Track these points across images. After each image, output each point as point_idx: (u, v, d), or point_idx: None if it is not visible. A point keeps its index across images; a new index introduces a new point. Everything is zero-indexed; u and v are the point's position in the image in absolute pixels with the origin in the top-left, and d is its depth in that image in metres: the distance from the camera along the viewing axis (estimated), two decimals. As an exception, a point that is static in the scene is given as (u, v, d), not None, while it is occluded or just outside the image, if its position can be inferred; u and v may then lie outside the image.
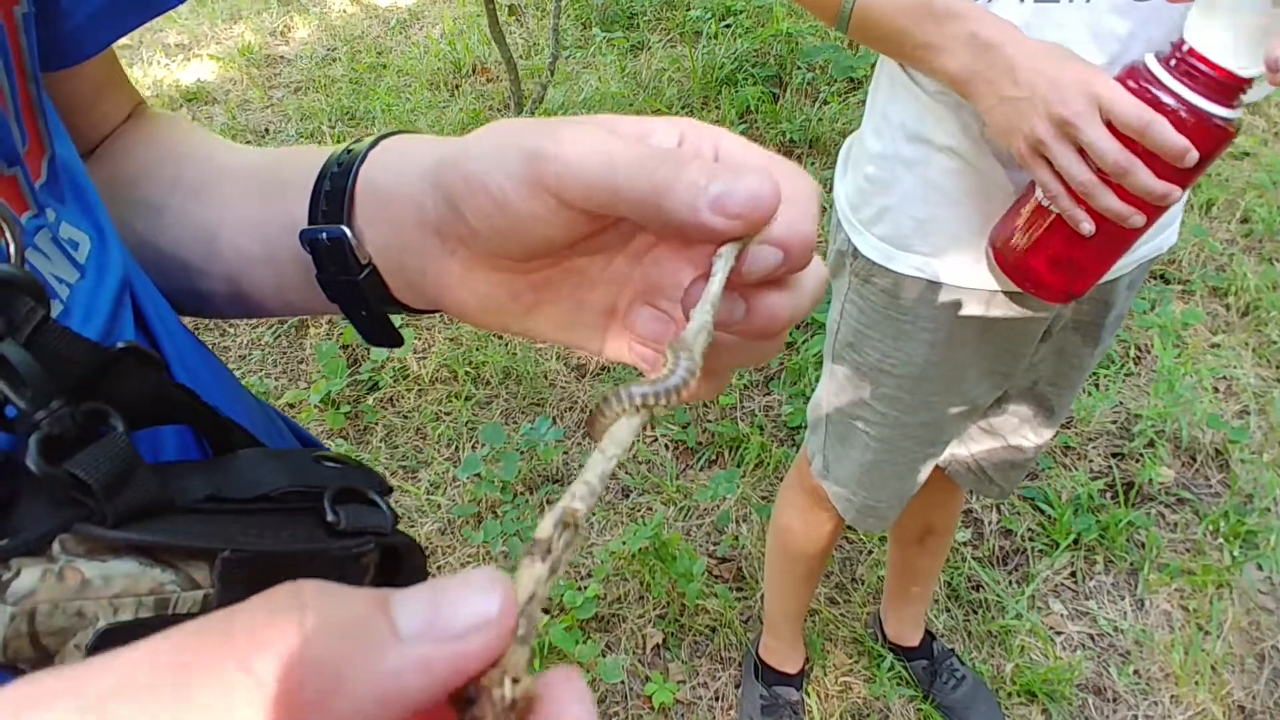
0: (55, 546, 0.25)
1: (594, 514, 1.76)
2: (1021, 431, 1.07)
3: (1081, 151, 0.69)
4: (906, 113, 0.84)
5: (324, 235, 0.34)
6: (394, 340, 0.37)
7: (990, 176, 0.82)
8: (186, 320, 0.42)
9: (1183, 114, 0.66)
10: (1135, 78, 0.68)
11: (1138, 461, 1.80)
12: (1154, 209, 0.70)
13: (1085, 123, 0.67)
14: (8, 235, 0.27)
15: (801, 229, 0.25)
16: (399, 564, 0.36)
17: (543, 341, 0.34)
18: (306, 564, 0.30)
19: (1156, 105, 0.66)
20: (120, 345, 0.28)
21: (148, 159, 0.42)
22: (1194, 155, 0.66)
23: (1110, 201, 0.69)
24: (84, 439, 0.26)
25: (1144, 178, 0.67)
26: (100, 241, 0.35)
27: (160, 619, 0.26)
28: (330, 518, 0.32)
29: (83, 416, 0.26)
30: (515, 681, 0.18)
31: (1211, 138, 0.66)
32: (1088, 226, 0.72)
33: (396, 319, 0.38)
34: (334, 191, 0.34)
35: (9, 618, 0.23)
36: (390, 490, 0.37)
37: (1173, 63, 0.67)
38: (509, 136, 0.28)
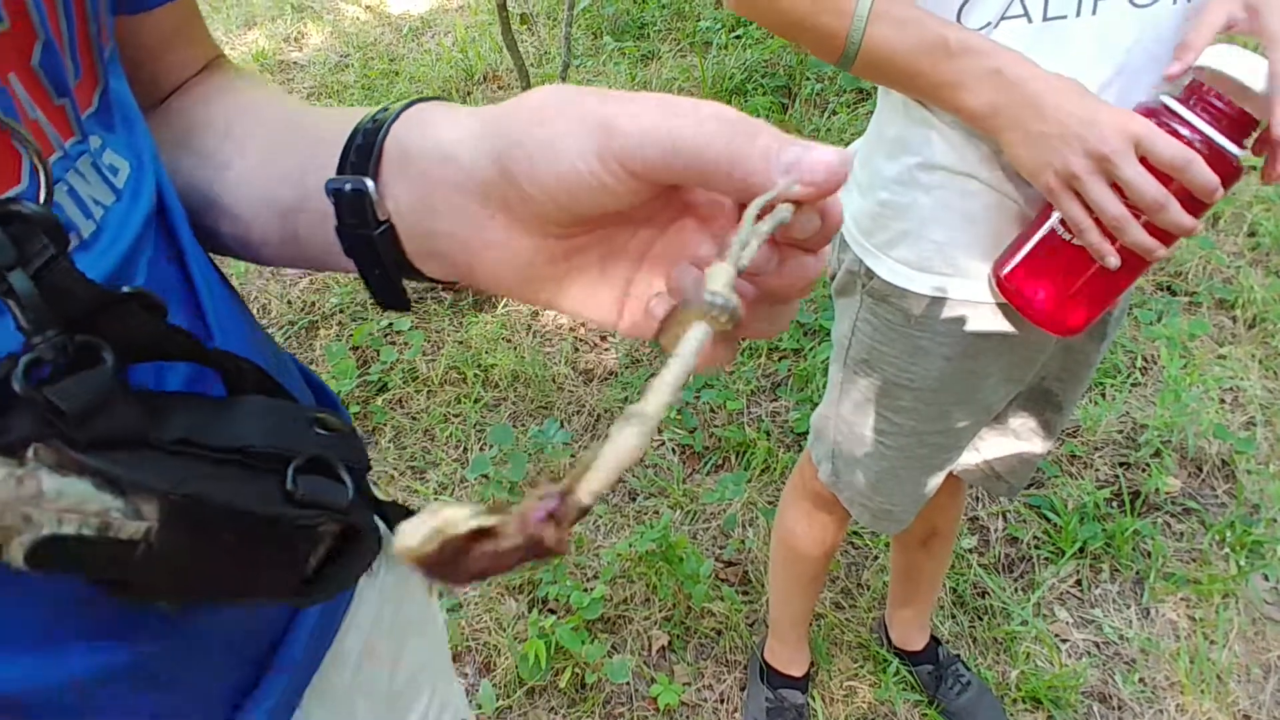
0: (29, 452, 0.27)
1: (600, 516, 1.77)
2: (1031, 428, 1.07)
3: (1114, 187, 0.70)
4: (924, 141, 0.84)
5: (347, 186, 0.34)
6: (403, 304, 0.38)
7: (1009, 194, 0.82)
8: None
9: (1206, 152, 0.68)
10: (1156, 116, 0.70)
11: (1144, 471, 1.80)
12: (1173, 240, 0.72)
13: (1123, 160, 0.68)
14: (40, 173, 0.29)
15: (839, 206, 0.28)
16: (353, 543, 0.36)
17: (565, 312, 0.35)
18: (252, 523, 0.31)
19: (1176, 135, 0.68)
20: (126, 289, 0.29)
21: (210, 111, 0.44)
22: (1220, 192, 0.68)
23: (1139, 235, 0.71)
24: (73, 368, 0.28)
25: (1177, 213, 0.69)
26: (138, 169, 0.36)
27: (100, 539, 0.27)
28: (289, 486, 0.32)
29: (75, 347, 0.28)
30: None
31: (1230, 174, 0.69)
32: (1114, 260, 0.73)
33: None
34: (364, 146, 0.35)
35: None
36: (367, 469, 0.37)
37: (1192, 101, 0.69)
38: (573, 106, 0.29)
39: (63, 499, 0.26)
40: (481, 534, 0.22)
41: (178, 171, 0.42)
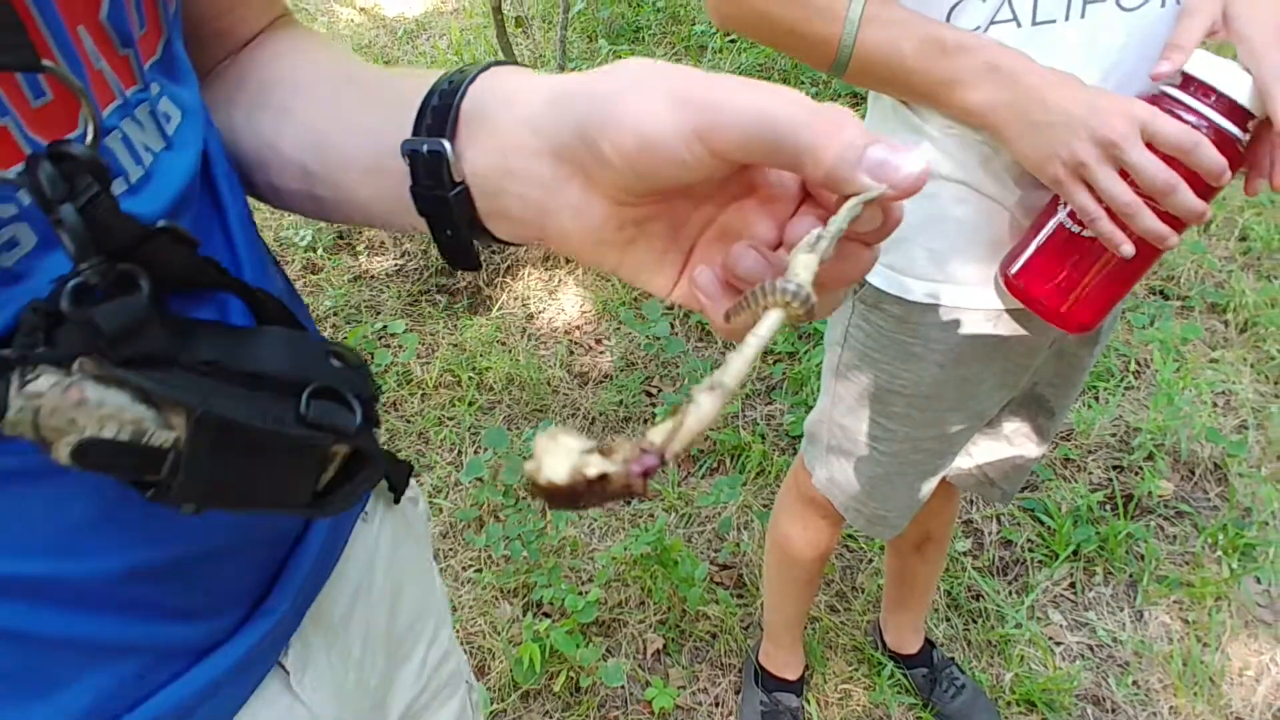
0: (76, 364, 0.30)
1: (594, 519, 1.76)
2: (1024, 434, 1.07)
3: (1121, 173, 0.70)
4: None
5: (424, 147, 0.35)
6: (473, 263, 0.39)
7: (1002, 200, 0.82)
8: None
9: (1212, 135, 0.68)
10: (1157, 104, 0.70)
11: (1137, 474, 1.81)
12: (1184, 226, 0.71)
13: (1130, 144, 0.68)
14: (90, 122, 0.31)
15: (902, 208, 0.30)
16: (360, 465, 0.39)
17: (625, 278, 0.36)
18: (269, 440, 0.34)
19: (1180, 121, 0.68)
20: (160, 224, 0.32)
21: (280, 66, 0.45)
22: (1229, 175, 0.68)
23: (1151, 222, 0.70)
24: (114, 294, 0.30)
25: (1186, 196, 0.68)
26: (188, 119, 0.39)
27: (133, 445, 0.31)
28: (303, 409, 0.35)
29: (115, 274, 0.30)
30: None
31: (1235, 158, 0.69)
32: (1128, 249, 0.72)
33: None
34: (440, 108, 0.35)
35: (18, 408, 0.29)
36: (377, 397, 0.40)
37: (1192, 89, 0.69)
38: (666, 83, 0.30)
39: (103, 407, 0.30)
40: (599, 477, 0.25)
41: (246, 126, 0.44)
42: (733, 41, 2.99)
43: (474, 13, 3.44)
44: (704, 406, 0.25)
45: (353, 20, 3.55)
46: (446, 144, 0.35)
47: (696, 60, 2.91)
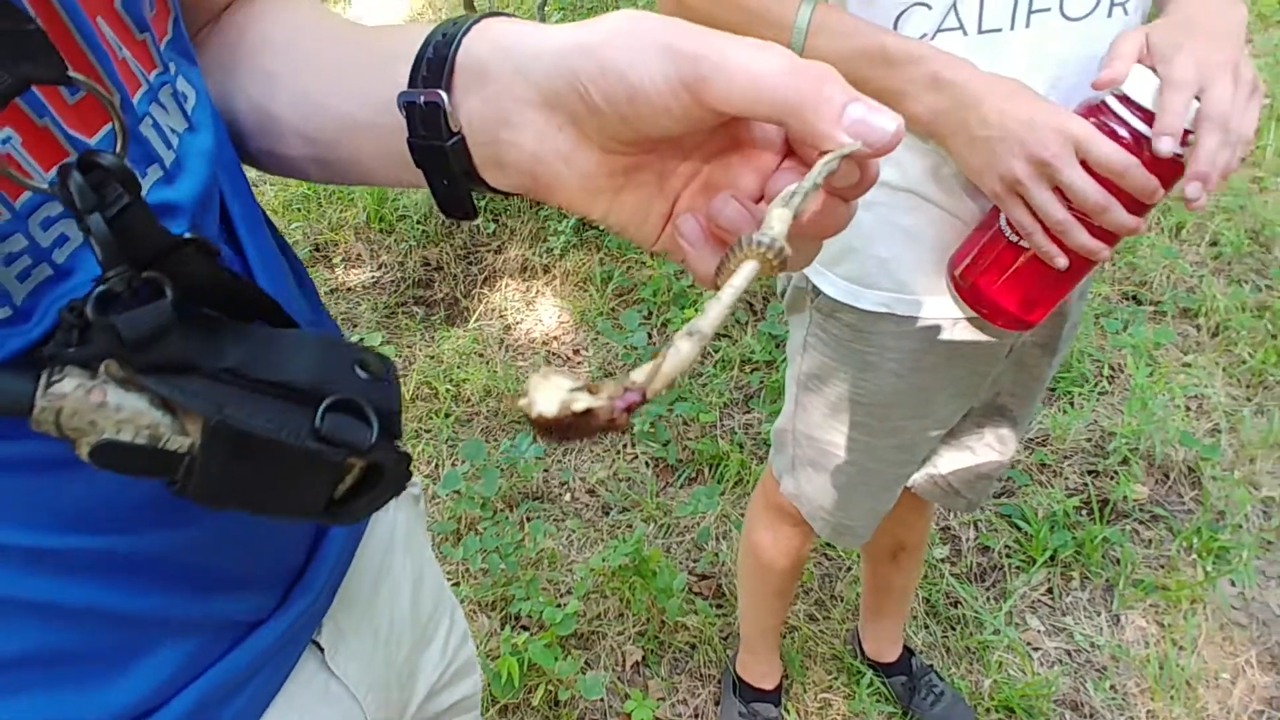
0: (102, 366, 0.31)
1: (573, 531, 1.75)
2: (986, 443, 1.08)
3: (1056, 190, 0.70)
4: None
5: (421, 99, 0.36)
6: (469, 212, 0.40)
7: (950, 209, 0.83)
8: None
9: (1146, 153, 0.68)
10: (1096, 114, 0.70)
11: (1112, 479, 1.82)
12: (1116, 239, 0.72)
13: (1064, 164, 0.68)
14: (117, 126, 0.32)
15: (878, 164, 0.31)
16: (376, 478, 0.39)
17: (612, 227, 0.37)
18: (282, 452, 0.34)
19: (1115, 138, 0.69)
20: (187, 235, 0.33)
21: (267, 28, 0.45)
22: (1161, 193, 0.68)
23: (1084, 239, 0.71)
24: (141, 301, 0.31)
25: (1119, 215, 0.69)
26: (201, 97, 0.40)
27: (148, 448, 0.32)
28: (318, 423, 0.35)
29: (140, 282, 0.31)
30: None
31: (1171, 173, 0.69)
32: (1061, 261, 0.73)
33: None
34: (436, 59, 0.36)
35: (41, 408, 0.30)
36: (396, 412, 0.39)
37: (1130, 104, 0.69)
38: (657, 34, 0.31)
39: (122, 411, 0.31)
40: (585, 411, 0.28)
41: (237, 91, 0.44)
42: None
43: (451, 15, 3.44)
44: (682, 351, 0.27)
45: (330, 32, 3.55)
46: (443, 94, 0.35)
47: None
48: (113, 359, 0.31)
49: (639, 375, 0.28)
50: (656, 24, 0.31)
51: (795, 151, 0.34)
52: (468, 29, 0.36)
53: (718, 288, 0.30)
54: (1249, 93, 0.67)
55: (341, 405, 0.36)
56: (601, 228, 0.39)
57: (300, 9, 0.47)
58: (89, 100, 0.33)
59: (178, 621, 0.41)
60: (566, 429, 0.28)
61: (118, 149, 0.32)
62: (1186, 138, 0.69)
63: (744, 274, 0.29)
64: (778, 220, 0.29)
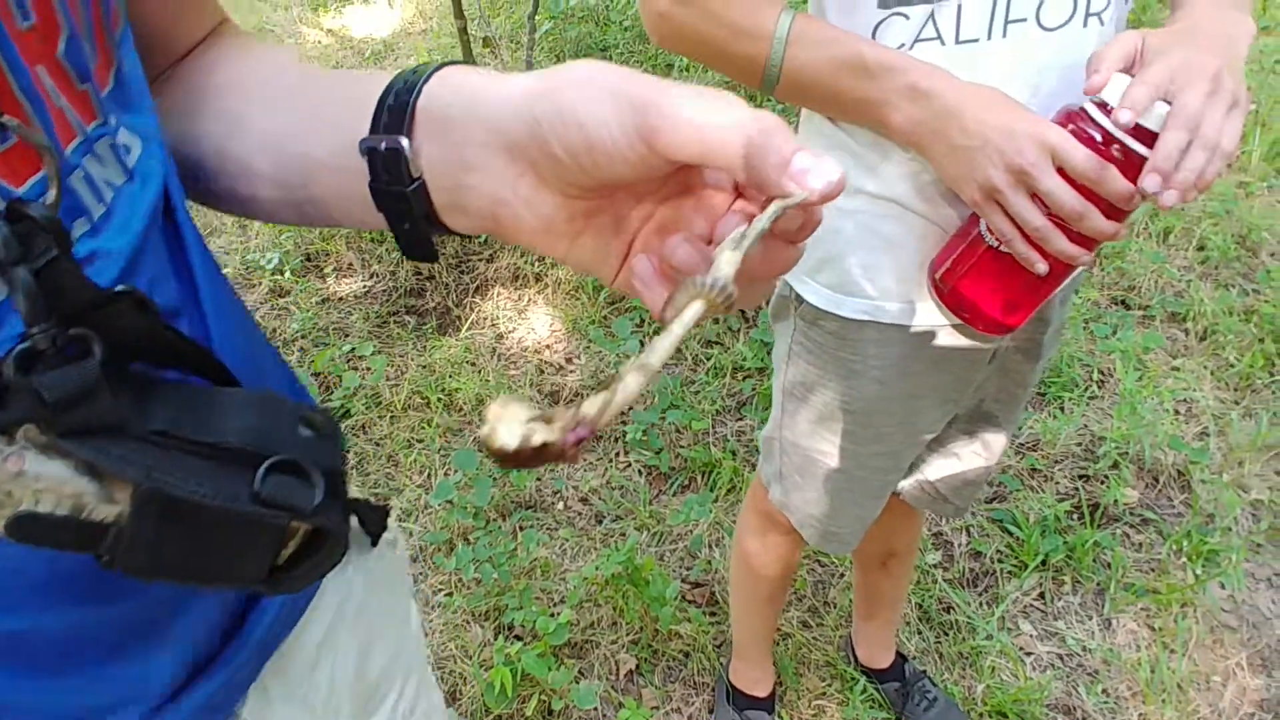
0: (20, 431, 0.29)
1: (565, 540, 1.75)
2: (972, 449, 1.08)
3: (1034, 197, 0.71)
4: (841, 165, 0.85)
5: (382, 145, 0.36)
6: (430, 255, 0.40)
7: (930, 216, 0.83)
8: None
9: (1123, 159, 0.69)
10: (1074, 121, 0.71)
11: (1103, 483, 1.83)
12: (1096, 244, 0.73)
13: (1041, 172, 0.69)
14: (50, 176, 0.31)
15: (821, 211, 0.32)
16: (320, 543, 0.38)
17: (572, 266, 0.38)
18: (219, 518, 0.33)
19: (1093, 146, 0.69)
20: (119, 289, 0.31)
21: (231, 72, 0.45)
22: (1139, 199, 0.69)
23: (1063, 244, 0.71)
24: (66, 359, 0.30)
25: (1097, 220, 0.69)
26: (147, 150, 0.39)
27: (70, 519, 0.30)
28: (257, 486, 0.34)
29: (65, 340, 0.30)
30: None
31: None
32: (1042, 267, 0.74)
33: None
34: (397, 106, 0.37)
35: None
36: (343, 471, 0.39)
37: (1108, 110, 0.69)
38: (614, 85, 0.32)
39: (41, 480, 0.29)
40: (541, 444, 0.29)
41: (200, 134, 0.44)
42: (700, 60, 3.02)
43: (441, 33, 3.44)
44: (630, 385, 0.28)
45: (320, 42, 3.55)
46: (404, 141, 0.36)
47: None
48: (32, 423, 0.29)
49: (590, 408, 0.29)
50: (615, 75, 0.32)
51: (743, 194, 0.35)
52: (429, 77, 0.37)
53: (665, 321, 0.31)
54: (1228, 103, 0.67)
55: (283, 466, 0.35)
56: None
57: (266, 55, 0.47)
58: (19, 148, 0.31)
59: (81, 707, 0.39)
60: (523, 459, 0.29)
61: (49, 199, 0.31)
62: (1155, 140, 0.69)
63: (691, 313, 0.30)
64: (726, 263, 0.31)
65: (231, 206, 0.46)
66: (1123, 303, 2.23)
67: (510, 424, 0.29)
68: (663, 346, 0.29)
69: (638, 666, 1.57)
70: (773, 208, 0.31)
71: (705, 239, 0.35)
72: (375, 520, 0.53)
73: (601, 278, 0.38)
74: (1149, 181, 0.67)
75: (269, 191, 0.43)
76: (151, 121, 0.40)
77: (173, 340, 0.35)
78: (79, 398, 0.29)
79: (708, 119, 0.30)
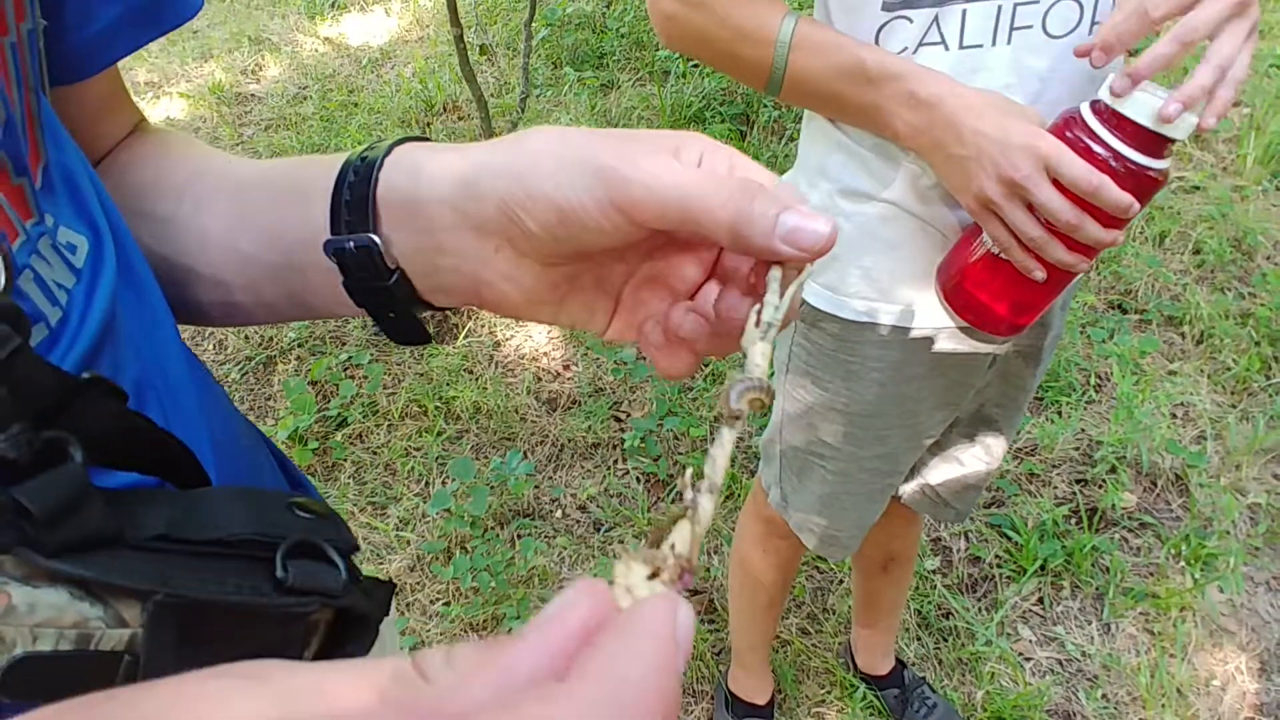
0: None
1: (564, 548, 1.75)
2: (973, 453, 1.08)
3: (1030, 207, 0.71)
4: (843, 168, 0.85)
5: (351, 244, 0.35)
6: (423, 337, 0.39)
7: (931, 220, 0.84)
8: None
9: (1120, 168, 0.68)
10: (1072, 128, 0.70)
11: (1100, 487, 1.83)
12: (1095, 252, 0.73)
13: (1035, 185, 0.69)
14: (2, 264, 0.28)
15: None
16: (350, 628, 0.35)
17: (562, 325, 0.38)
18: (245, 616, 0.30)
19: (1090, 155, 0.69)
20: (85, 376, 0.28)
21: (155, 172, 0.43)
22: (1136, 208, 0.69)
23: (1060, 254, 0.72)
24: (42, 465, 0.26)
25: (1093, 230, 0.69)
26: (96, 244, 0.35)
27: (78, 653, 0.25)
28: (280, 573, 0.31)
29: (41, 443, 0.26)
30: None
31: (1147, 188, 0.70)
32: (1040, 274, 0.74)
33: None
34: (355, 200, 0.35)
35: None
36: (355, 549, 0.36)
37: (1106, 116, 0.69)
38: (577, 151, 0.31)
39: (36, 613, 0.24)
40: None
41: (135, 240, 0.41)
42: (695, 66, 3.02)
43: (438, 41, 3.45)
44: (706, 508, 0.27)
45: (316, 50, 3.55)
46: (375, 237, 0.35)
47: (660, 86, 2.93)
48: (7, 554, 0.24)
49: (683, 547, 0.28)
50: (583, 142, 0.31)
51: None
52: (381, 162, 0.35)
53: (720, 421, 0.30)
54: (1247, 28, 0.65)
55: (300, 549, 0.32)
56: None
57: (185, 151, 0.44)
58: None
59: None
60: None
61: (0, 287, 0.28)
62: (1163, 150, 0.69)
63: (739, 421, 0.29)
64: (760, 356, 0.30)
65: (195, 317, 0.43)
66: (1119, 307, 2.23)
67: (636, 587, 0.27)
68: (722, 460, 0.28)
69: (636, 675, 1.56)
70: (791, 287, 0.31)
71: (698, 284, 0.35)
72: (382, 598, 0.51)
73: (592, 332, 0.38)
74: (1171, 109, 0.66)
75: (211, 294, 0.41)
76: (99, 208, 0.36)
77: (145, 432, 0.31)
78: (67, 507, 0.25)
79: (684, 189, 0.29)
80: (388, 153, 0.36)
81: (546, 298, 0.36)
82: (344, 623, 0.35)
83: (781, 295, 0.31)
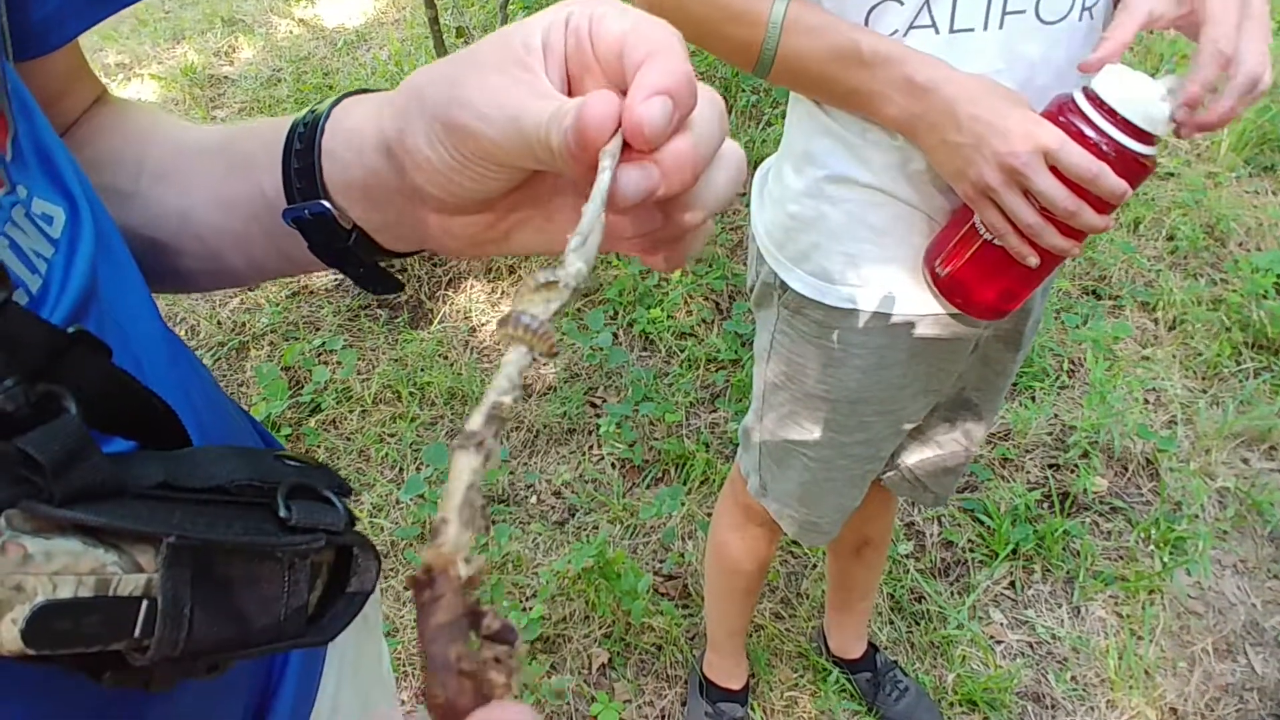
0: (1, 521, 0.25)
1: (538, 534, 1.75)
2: (953, 437, 1.08)
3: (1027, 194, 0.71)
4: (830, 154, 0.84)
5: (306, 212, 0.36)
6: (395, 285, 0.40)
7: (919, 205, 0.83)
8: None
9: (1113, 154, 0.69)
10: (1065, 113, 0.71)
11: (1073, 472, 1.85)
12: (1084, 236, 0.74)
13: (1034, 172, 0.69)
14: None
15: (674, 72, 0.26)
16: (351, 565, 0.36)
17: (530, 253, 0.38)
18: (254, 557, 0.30)
19: (1083, 140, 0.69)
20: (71, 330, 0.28)
21: (113, 145, 0.43)
22: (1130, 191, 0.69)
23: (1055, 239, 0.72)
24: (38, 419, 0.26)
25: (1090, 216, 0.70)
26: (73, 214, 0.35)
27: (99, 599, 0.26)
28: (283, 513, 0.32)
29: (36, 396, 0.26)
30: (467, 561, 0.22)
31: (1138, 173, 0.70)
32: (1034, 260, 0.74)
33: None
34: (303, 169, 0.36)
35: None
36: (350, 491, 0.37)
37: (1100, 103, 0.69)
38: (420, 94, 0.30)
39: (53, 561, 0.25)
40: None
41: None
42: (674, 51, 3.00)
43: (414, 23, 3.40)
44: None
45: (291, 32, 3.50)
46: (327, 205, 0.36)
47: (639, 69, 2.91)
48: (15, 508, 0.25)
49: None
50: (423, 81, 0.30)
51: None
52: (322, 129, 0.36)
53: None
54: (1259, 20, 0.66)
55: (298, 490, 0.33)
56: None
57: (143, 123, 0.44)
58: None
59: None
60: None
61: None
62: (1152, 138, 0.69)
63: (511, 365, 0.26)
64: (531, 299, 0.26)
65: (179, 284, 0.44)
66: (1093, 293, 2.25)
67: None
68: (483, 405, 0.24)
69: (610, 660, 1.56)
70: (598, 181, 0.26)
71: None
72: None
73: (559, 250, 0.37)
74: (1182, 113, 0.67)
75: (176, 263, 0.42)
76: (73, 186, 0.36)
77: (131, 388, 0.31)
78: (72, 456, 0.26)
79: (517, 115, 0.27)
80: (328, 114, 0.36)
81: (486, 237, 0.36)
82: (345, 561, 0.35)
83: (606, 176, 0.26)
